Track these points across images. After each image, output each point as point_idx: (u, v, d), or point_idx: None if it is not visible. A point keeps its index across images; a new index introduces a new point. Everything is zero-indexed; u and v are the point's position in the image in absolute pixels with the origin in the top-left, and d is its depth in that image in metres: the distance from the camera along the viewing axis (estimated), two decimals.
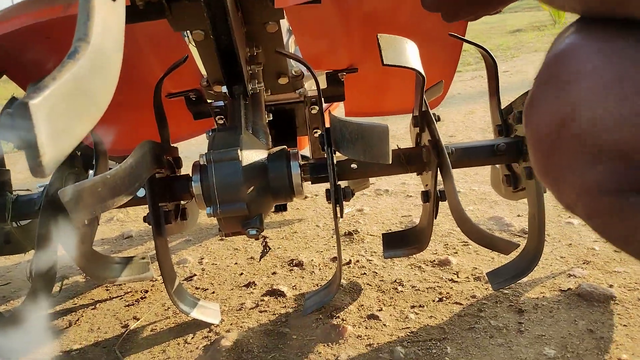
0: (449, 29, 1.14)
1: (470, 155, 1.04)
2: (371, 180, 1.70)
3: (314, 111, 1.33)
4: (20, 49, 1.03)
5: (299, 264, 1.31)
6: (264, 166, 0.93)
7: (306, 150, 1.62)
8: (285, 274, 1.28)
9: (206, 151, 0.90)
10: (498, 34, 6.86)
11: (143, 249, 1.57)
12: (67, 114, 0.42)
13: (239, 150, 0.88)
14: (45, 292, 0.98)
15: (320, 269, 1.29)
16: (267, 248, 1.04)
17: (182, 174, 1.06)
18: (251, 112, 1.07)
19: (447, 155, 0.92)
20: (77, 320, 1.16)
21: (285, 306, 1.12)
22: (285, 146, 1.01)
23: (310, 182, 1.05)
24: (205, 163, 0.89)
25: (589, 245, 1.27)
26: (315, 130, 1.44)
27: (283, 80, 1.18)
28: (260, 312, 1.11)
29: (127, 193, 0.84)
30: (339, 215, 0.97)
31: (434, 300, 1.09)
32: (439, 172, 0.95)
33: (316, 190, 1.87)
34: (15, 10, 0.84)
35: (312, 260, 1.33)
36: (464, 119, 2.79)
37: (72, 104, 0.43)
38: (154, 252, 1.52)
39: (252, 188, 0.90)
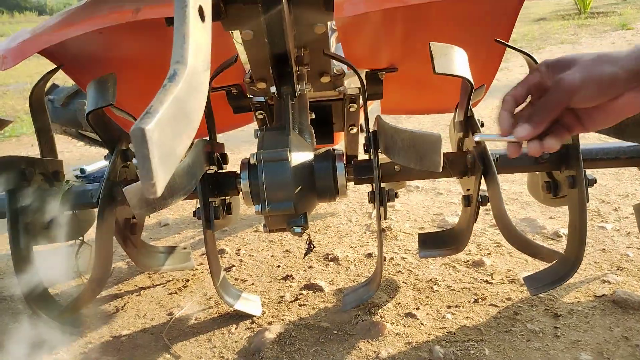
0: (493, 34, 1.15)
1: (515, 162, 1.06)
2: None
3: (352, 109, 1.36)
4: (78, 45, 1.06)
5: (335, 259, 1.35)
6: (310, 166, 0.96)
7: (339, 145, 1.65)
8: (321, 268, 1.31)
9: (256, 151, 0.93)
10: (522, 22, 6.76)
11: (180, 237, 1.62)
12: (172, 136, 0.45)
13: (288, 151, 0.91)
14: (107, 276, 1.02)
15: (355, 264, 1.32)
16: (312, 246, 1.07)
17: (228, 170, 1.10)
18: (297, 112, 1.10)
19: (493, 162, 0.94)
20: (124, 306, 1.21)
21: (324, 301, 1.16)
22: (331, 147, 1.04)
23: (353, 183, 1.08)
24: (255, 162, 0.92)
25: (623, 252, 1.28)
26: (351, 127, 1.46)
27: (325, 79, 1.20)
28: (300, 305, 1.15)
29: (185, 191, 0.88)
30: (382, 217, 1.00)
31: (469, 301, 1.11)
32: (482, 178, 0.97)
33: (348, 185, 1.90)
34: (83, 12, 0.87)
35: (347, 255, 1.37)
36: (491, 113, 2.78)
37: (175, 126, 0.46)
38: (192, 241, 1.57)
39: (299, 188, 0.93)
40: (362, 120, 1.33)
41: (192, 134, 0.51)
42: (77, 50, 1.09)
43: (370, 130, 1.06)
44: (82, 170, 2.34)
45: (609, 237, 1.37)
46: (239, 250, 1.46)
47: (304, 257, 1.30)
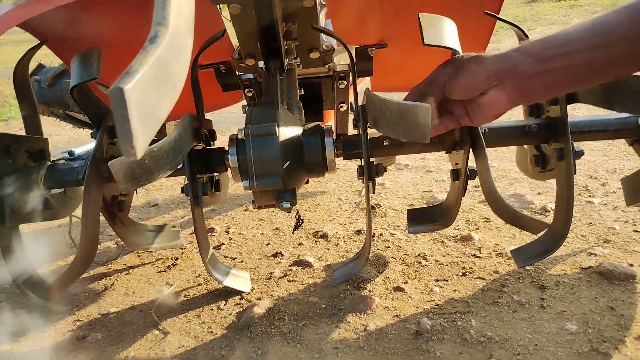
0: (483, 6, 1.14)
1: (503, 135, 1.06)
2: None
3: (341, 86, 1.35)
4: (62, 19, 1.04)
5: (324, 236, 1.35)
6: (299, 141, 0.95)
7: (330, 123, 1.64)
8: (311, 245, 1.31)
9: (244, 126, 0.92)
10: (513, 4, 6.73)
11: (169, 217, 1.62)
12: (153, 97, 0.44)
13: (276, 126, 0.91)
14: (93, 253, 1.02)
15: (345, 241, 1.33)
16: (300, 221, 1.07)
17: (216, 147, 1.09)
18: (286, 88, 1.09)
19: (482, 135, 0.94)
20: (112, 284, 1.21)
21: (313, 276, 1.16)
22: (319, 122, 1.03)
23: (342, 158, 1.08)
24: (242, 137, 0.92)
25: (609, 225, 1.29)
26: (341, 105, 1.46)
27: (314, 55, 1.19)
28: (289, 281, 1.15)
29: (172, 165, 0.87)
30: (371, 191, 1.00)
31: (457, 275, 1.12)
32: (470, 151, 0.97)
33: (337, 163, 1.90)
34: None
35: (336, 232, 1.37)
36: None
37: (156, 87, 0.45)
38: (181, 220, 1.56)
39: (287, 163, 0.92)
40: (352, 98, 1.32)
41: (175, 97, 0.50)
42: (61, 24, 1.07)
43: (359, 105, 1.06)
44: (71, 153, 2.31)
45: (596, 211, 1.38)
46: (229, 228, 1.46)
47: (293, 232, 1.30)
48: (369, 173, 0.99)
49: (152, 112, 0.44)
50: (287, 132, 0.94)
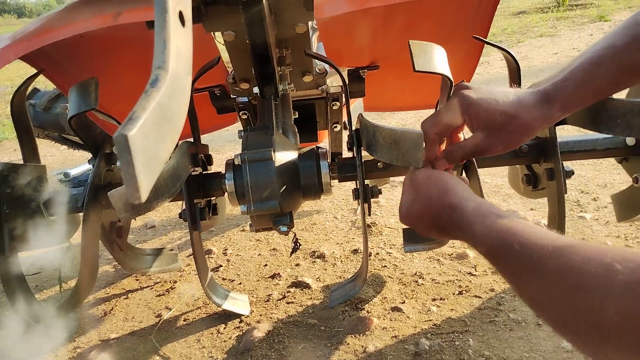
0: (472, 31, 1.17)
1: (495, 157, 1.08)
2: None
3: (335, 107, 1.37)
4: (59, 50, 1.06)
5: (321, 256, 1.36)
6: (295, 165, 0.97)
7: (324, 143, 1.67)
8: (308, 265, 1.33)
9: (240, 151, 0.94)
10: (502, 16, 6.82)
11: (167, 239, 1.62)
12: (155, 141, 0.46)
13: (272, 151, 0.92)
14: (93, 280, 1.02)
15: (342, 261, 1.34)
16: (298, 244, 1.08)
17: (213, 171, 1.11)
18: (281, 112, 1.11)
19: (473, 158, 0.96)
20: (112, 309, 1.22)
21: (311, 297, 1.18)
22: (315, 145, 1.05)
23: (337, 181, 1.10)
24: (239, 163, 0.93)
25: (602, 240, 1.31)
26: (334, 125, 1.48)
27: (308, 79, 1.21)
28: (288, 303, 1.16)
29: (170, 194, 0.88)
30: (366, 213, 1.02)
31: (454, 294, 1.14)
32: (464, 172, 1.00)
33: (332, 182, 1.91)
34: (63, 16, 0.87)
35: (333, 252, 1.38)
36: None
37: (158, 131, 0.46)
38: (179, 242, 1.57)
39: (284, 187, 0.94)
40: (345, 118, 1.34)
41: (176, 138, 0.51)
42: (58, 54, 1.08)
43: (353, 128, 1.08)
44: (66, 174, 2.32)
45: (588, 226, 1.40)
46: (226, 250, 1.47)
47: (291, 255, 1.32)
48: (365, 196, 1.01)
49: (155, 155, 0.46)
50: (283, 156, 0.95)
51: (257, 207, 0.93)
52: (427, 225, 0.67)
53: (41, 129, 1.94)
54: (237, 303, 1.14)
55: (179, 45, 0.54)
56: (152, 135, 0.46)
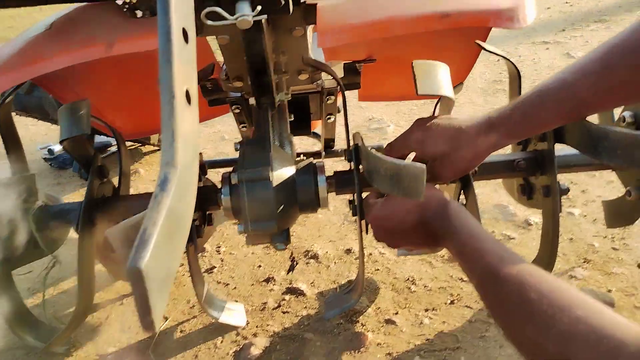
0: (470, 36, 1.13)
1: (491, 171, 1.08)
2: None
3: (329, 101, 1.34)
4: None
5: (315, 257, 1.37)
6: (292, 182, 0.96)
7: (317, 130, 1.65)
8: (302, 267, 1.34)
9: (237, 169, 0.92)
10: None
11: None
12: (168, 256, 0.43)
13: (269, 170, 0.91)
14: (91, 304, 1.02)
15: (335, 262, 1.35)
16: (295, 262, 1.08)
17: (208, 184, 1.09)
18: (277, 122, 1.09)
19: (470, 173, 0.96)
20: (107, 318, 1.22)
21: (306, 306, 1.19)
22: (312, 159, 1.04)
23: (335, 194, 1.09)
24: (236, 182, 0.92)
25: (589, 241, 1.34)
26: (328, 117, 1.45)
27: (303, 77, 1.18)
28: (283, 312, 1.18)
29: None
30: (364, 230, 1.02)
31: (445, 303, 1.16)
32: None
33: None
34: (54, 43, 0.81)
35: (326, 252, 1.39)
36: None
37: (169, 240, 0.43)
38: None
39: (282, 206, 0.93)
40: (340, 106, 1.31)
41: (185, 236, 0.49)
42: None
43: (351, 143, 1.06)
44: (50, 151, 2.26)
45: (576, 224, 1.42)
46: (219, 247, 1.47)
47: (288, 274, 1.31)
48: (362, 213, 1.01)
49: (168, 271, 0.43)
50: (281, 174, 0.94)
51: (254, 227, 0.93)
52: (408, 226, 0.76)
53: (24, 112, 1.88)
54: (233, 314, 1.15)
55: (186, 130, 0.50)
56: (164, 251, 0.43)
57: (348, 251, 1.39)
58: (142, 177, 2.03)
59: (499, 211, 1.52)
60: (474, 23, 0.78)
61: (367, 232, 1.03)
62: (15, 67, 0.81)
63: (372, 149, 1.04)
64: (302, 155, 1.71)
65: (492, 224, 1.46)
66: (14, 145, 1.11)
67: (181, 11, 0.53)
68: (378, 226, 0.82)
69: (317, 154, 1.67)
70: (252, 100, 1.06)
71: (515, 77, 1.10)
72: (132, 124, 1.42)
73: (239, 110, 1.32)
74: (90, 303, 1.02)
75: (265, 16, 0.74)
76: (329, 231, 1.50)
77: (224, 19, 0.69)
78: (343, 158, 1.81)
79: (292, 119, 1.28)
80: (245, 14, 0.70)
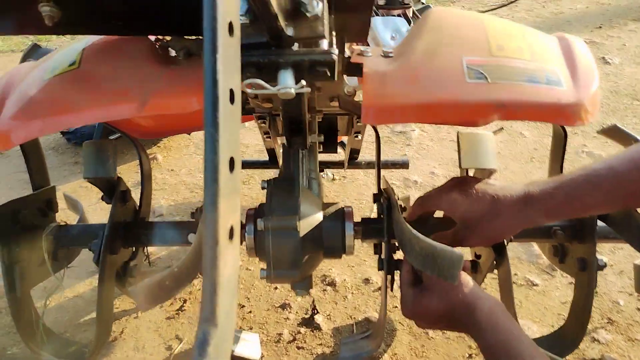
0: None
1: (525, 235, 1.04)
2: None
3: (359, 122, 1.30)
4: None
5: (332, 284, 1.35)
6: (319, 229, 0.93)
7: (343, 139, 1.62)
8: (318, 295, 1.32)
9: (264, 214, 0.90)
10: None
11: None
12: None
13: (297, 220, 0.89)
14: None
15: (352, 293, 1.33)
16: (316, 311, 1.07)
17: None
18: (307, 161, 1.06)
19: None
20: (121, 332, 1.22)
21: (321, 343, 1.18)
22: (340, 204, 1.01)
23: (361, 241, 1.06)
24: (262, 229, 0.89)
25: (614, 297, 1.31)
26: (356, 135, 1.41)
27: (335, 104, 1.14)
28: (298, 348, 1.17)
29: (190, 280, 0.85)
30: (389, 287, 1.00)
31: (464, 356, 1.15)
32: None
33: (341, 181, 1.86)
34: (85, 92, 0.77)
35: (344, 280, 1.37)
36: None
37: None
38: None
39: (307, 256, 0.91)
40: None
41: None
42: None
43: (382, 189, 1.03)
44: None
45: (602, 274, 1.39)
46: None
47: (308, 319, 1.28)
48: (389, 267, 0.98)
49: None
50: (308, 221, 0.92)
51: (278, 274, 0.91)
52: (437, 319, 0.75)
53: None
54: (248, 346, 1.15)
55: (228, 275, 0.47)
56: None
57: (366, 281, 1.37)
58: (160, 165, 2.00)
59: (522, 250, 1.48)
60: (529, 117, 0.73)
61: (392, 289, 1.01)
62: (44, 115, 0.76)
63: (398, 200, 1.01)
64: (325, 166, 1.68)
65: (514, 266, 1.43)
66: (36, 161, 1.08)
67: (229, 72, 0.49)
68: (409, 317, 0.81)
69: (339, 164, 1.64)
70: (282, 139, 1.02)
71: (561, 138, 1.05)
72: (155, 122, 1.38)
73: (265, 125, 1.29)
74: (108, 335, 1.02)
75: (308, 89, 0.69)
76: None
77: (265, 88, 0.65)
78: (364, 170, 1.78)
79: (322, 139, 1.25)
80: (288, 87, 0.66)
